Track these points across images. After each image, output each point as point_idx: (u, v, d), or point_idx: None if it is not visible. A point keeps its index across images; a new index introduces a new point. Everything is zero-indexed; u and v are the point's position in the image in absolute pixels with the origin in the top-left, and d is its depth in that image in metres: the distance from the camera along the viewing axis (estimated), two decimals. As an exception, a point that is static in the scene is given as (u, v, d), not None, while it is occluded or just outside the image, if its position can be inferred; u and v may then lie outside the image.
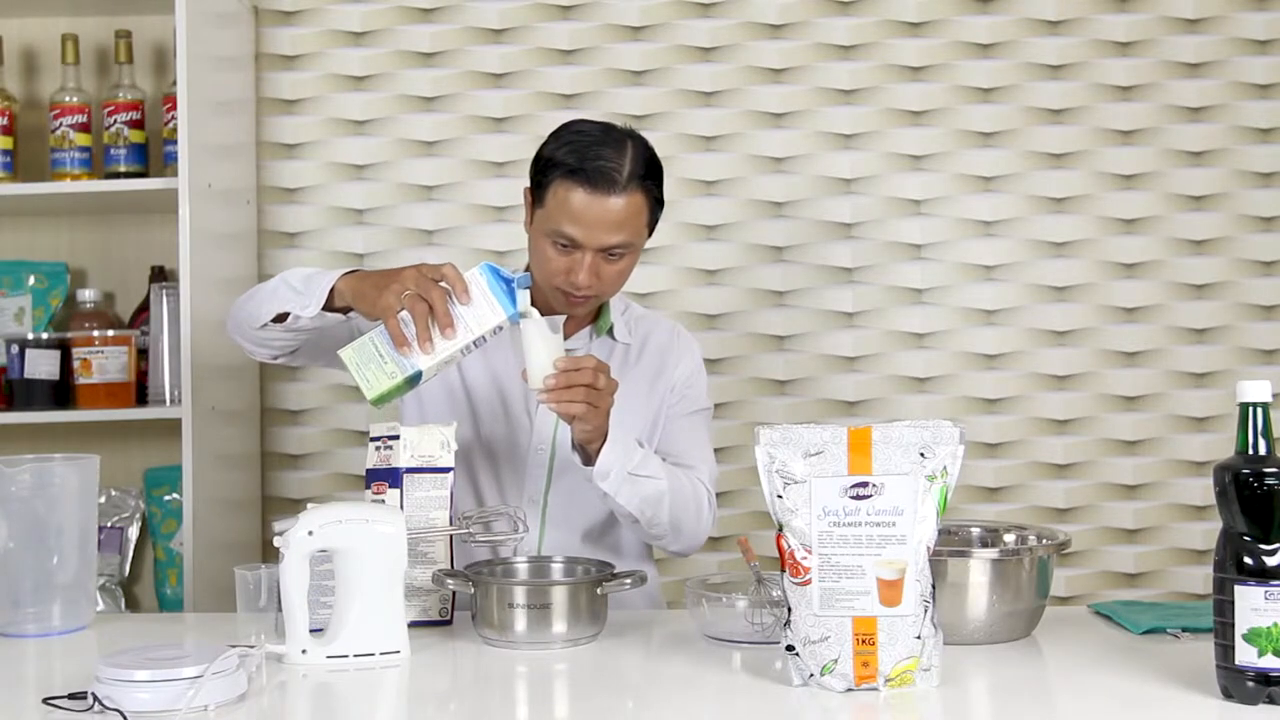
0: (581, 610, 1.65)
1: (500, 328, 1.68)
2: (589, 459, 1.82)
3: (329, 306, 1.75)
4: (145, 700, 1.34)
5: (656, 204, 1.92)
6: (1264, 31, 2.73)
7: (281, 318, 1.81)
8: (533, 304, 1.71)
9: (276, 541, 1.62)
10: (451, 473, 1.80)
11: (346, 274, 1.76)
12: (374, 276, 1.72)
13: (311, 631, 1.57)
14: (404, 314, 1.63)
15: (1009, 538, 1.78)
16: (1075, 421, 2.73)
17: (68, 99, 2.54)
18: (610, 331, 2.04)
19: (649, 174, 1.89)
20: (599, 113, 2.72)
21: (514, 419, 2.01)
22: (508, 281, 1.67)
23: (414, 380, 1.65)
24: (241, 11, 2.67)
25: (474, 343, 1.66)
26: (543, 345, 1.70)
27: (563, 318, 1.76)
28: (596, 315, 2.04)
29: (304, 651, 1.56)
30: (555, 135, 1.91)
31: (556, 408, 1.73)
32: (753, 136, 2.74)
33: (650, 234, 1.95)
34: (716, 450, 2.71)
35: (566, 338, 2.00)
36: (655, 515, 1.89)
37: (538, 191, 1.90)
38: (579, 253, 1.87)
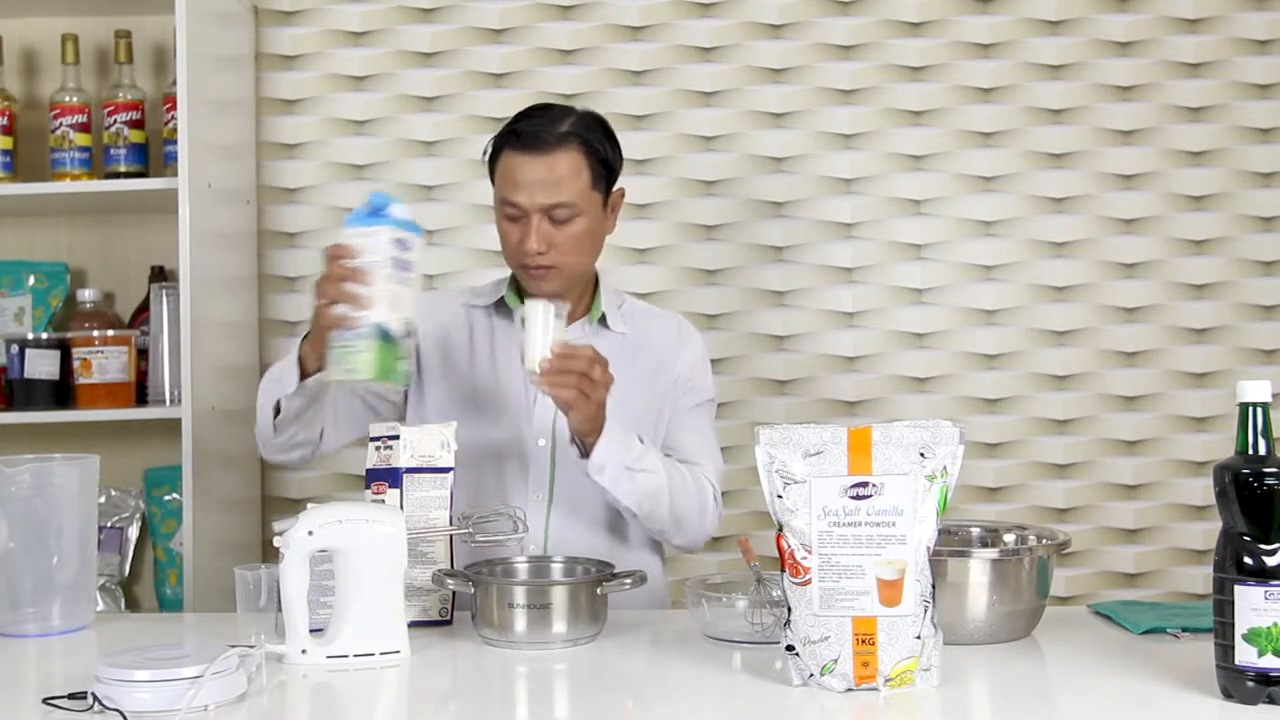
0: (581, 610, 1.65)
1: (400, 240, 1.69)
2: (586, 452, 1.82)
3: (304, 373, 1.80)
4: (145, 700, 1.34)
5: (601, 165, 1.93)
6: (1264, 31, 2.73)
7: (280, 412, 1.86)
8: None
9: (276, 541, 1.62)
10: (451, 473, 1.80)
11: (303, 338, 1.82)
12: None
13: (311, 631, 1.57)
14: (330, 305, 1.66)
15: (1009, 538, 1.78)
16: (1075, 421, 2.73)
17: (68, 99, 2.54)
18: (604, 321, 2.04)
19: (587, 132, 1.92)
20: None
21: (514, 413, 2.01)
22: (376, 205, 1.70)
23: (387, 335, 1.65)
24: (241, 11, 2.67)
25: (395, 263, 1.67)
26: (541, 328, 1.72)
27: (567, 305, 1.77)
28: (589, 307, 2.05)
29: (304, 651, 1.56)
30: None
31: (550, 391, 1.74)
32: (753, 136, 2.74)
33: (607, 202, 1.96)
34: (717, 450, 2.73)
35: None
36: (654, 510, 1.89)
37: (492, 175, 1.97)
38: (525, 219, 1.90)
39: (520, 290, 2.02)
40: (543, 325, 1.72)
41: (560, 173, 1.89)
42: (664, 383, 2.05)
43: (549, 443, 1.99)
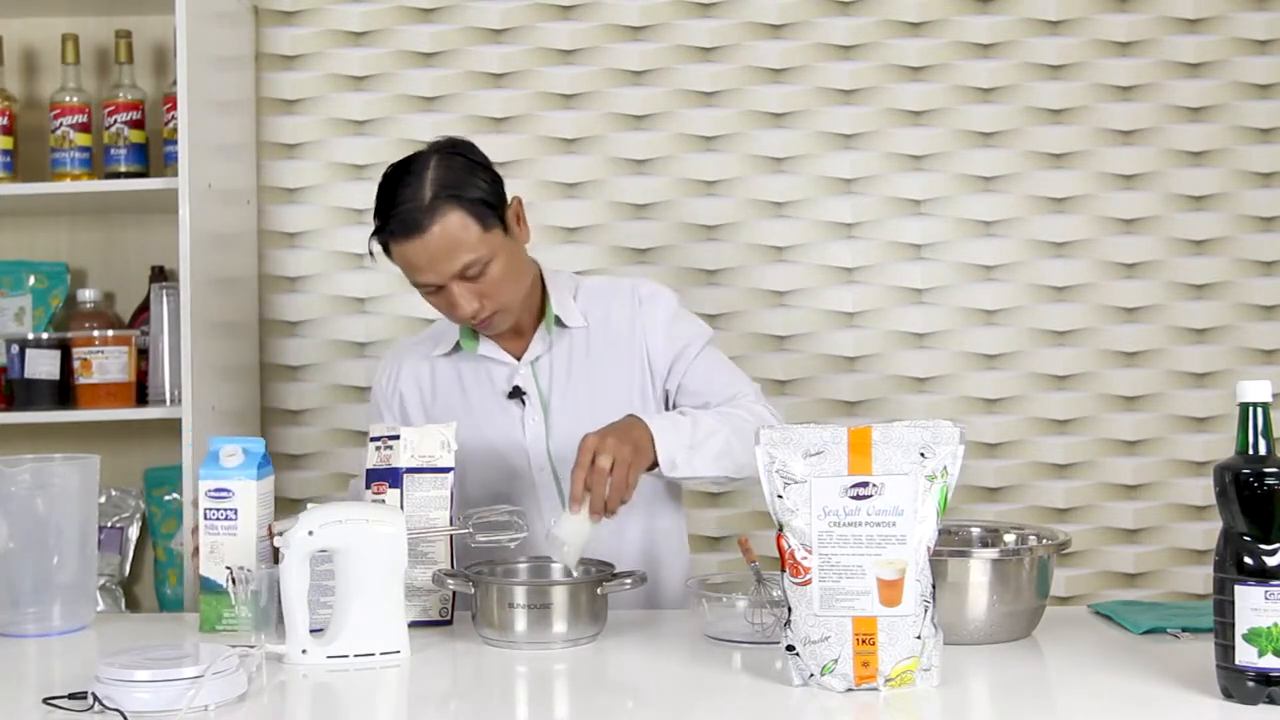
0: (581, 610, 1.65)
1: (216, 491, 1.75)
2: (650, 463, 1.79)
3: None
4: (145, 700, 1.35)
5: (482, 206, 1.85)
6: (1264, 31, 2.73)
7: None
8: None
9: (276, 541, 1.62)
10: (451, 473, 1.80)
11: None
12: None
13: (311, 632, 1.58)
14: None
15: (1009, 538, 1.78)
16: (1075, 421, 2.73)
17: (68, 99, 2.54)
18: (560, 322, 2.01)
19: (451, 188, 1.84)
20: (598, 113, 2.73)
21: (506, 454, 2.00)
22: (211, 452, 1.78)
23: (212, 587, 1.74)
24: (241, 11, 2.67)
25: (207, 514, 1.75)
26: (573, 545, 1.71)
27: (583, 515, 1.71)
28: (541, 310, 2.02)
29: (304, 651, 1.56)
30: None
31: (606, 514, 1.71)
32: (753, 136, 2.74)
33: (505, 228, 1.89)
34: (716, 450, 2.72)
35: (520, 353, 2.01)
36: (734, 462, 1.84)
37: (393, 262, 1.91)
38: (444, 289, 1.87)
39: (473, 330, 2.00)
40: (573, 538, 1.71)
41: (449, 240, 1.83)
42: (637, 360, 2.01)
43: (548, 468, 1.99)
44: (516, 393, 1.99)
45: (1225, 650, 1.35)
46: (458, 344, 2.04)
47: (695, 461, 1.81)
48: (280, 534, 1.60)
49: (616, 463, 1.70)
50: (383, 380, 2.11)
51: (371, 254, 1.92)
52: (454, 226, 1.83)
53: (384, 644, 1.58)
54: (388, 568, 1.59)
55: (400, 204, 1.84)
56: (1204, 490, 2.67)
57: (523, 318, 1.99)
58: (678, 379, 2.02)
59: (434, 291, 1.89)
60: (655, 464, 1.78)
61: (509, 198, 1.94)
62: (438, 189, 1.84)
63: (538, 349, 2.01)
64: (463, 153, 1.91)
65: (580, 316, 2.02)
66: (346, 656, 1.56)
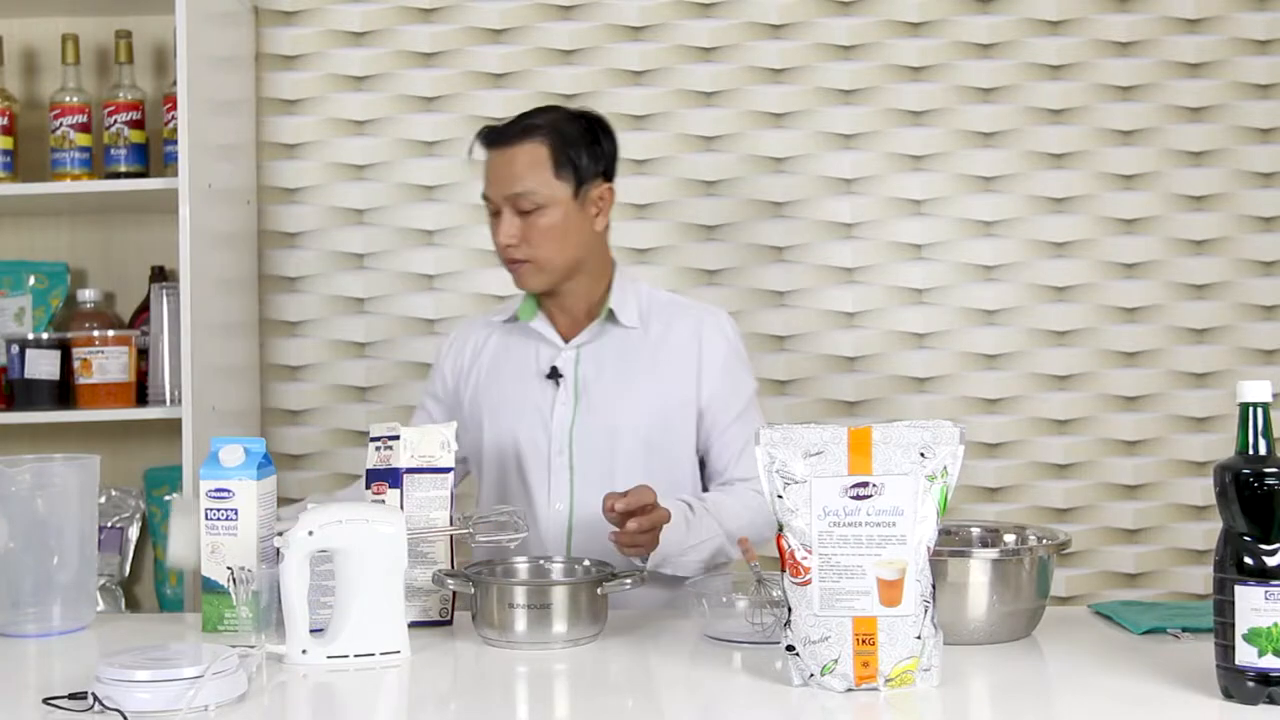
0: (581, 610, 1.65)
1: (216, 491, 1.73)
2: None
3: None
4: (145, 700, 1.35)
5: (567, 156, 1.96)
6: (1264, 31, 2.73)
7: None
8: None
9: (276, 541, 1.62)
10: (452, 473, 1.80)
11: None
12: None
13: (312, 632, 1.57)
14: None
15: (1009, 538, 1.78)
16: (1075, 421, 2.73)
17: (68, 99, 2.54)
18: (613, 316, 2.04)
19: (556, 126, 1.97)
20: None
21: (531, 424, 2.03)
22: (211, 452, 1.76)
23: (213, 587, 1.73)
24: (241, 11, 2.67)
25: (209, 514, 1.72)
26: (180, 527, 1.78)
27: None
28: (602, 302, 2.06)
29: (304, 651, 1.56)
30: None
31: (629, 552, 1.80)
32: (753, 136, 2.74)
33: (580, 194, 1.98)
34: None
35: (569, 336, 2.03)
36: (724, 554, 1.96)
37: None
38: (500, 214, 1.98)
39: (536, 299, 2.07)
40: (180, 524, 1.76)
41: (520, 163, 1.96)
42: (684, 380, 2.03)
43: (566, 453, 2.01)
44: (554, 373, 2.02)
45: (1225, 650, 1.35)
46: (516, 315, 2.09)
47: (682, 562, 1.90)
48: (280, 534, 1.61)
49: (639, 541, 1.77)
50: (444, 346, 2.19)
51: (470, 152, 2.05)
52: (531, 154, 1.96)
53: (384, 644, 1.58)
54: (388, 568, 1.59)
55: (503, 123, 2.01)
56: (1204, 490, 2.67)
57: (579, 305, 2.05)
58: (708, 433, 2.05)
59: (493, 213, 2.01)
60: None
61: (607, 186, 2.02)
62: (545, 120, 1.99)
63: (586, 336, 2.04)
64: (592, 120, 2.03)
65: (637, 318, 2.05)
66: (346, 656, 1.56)
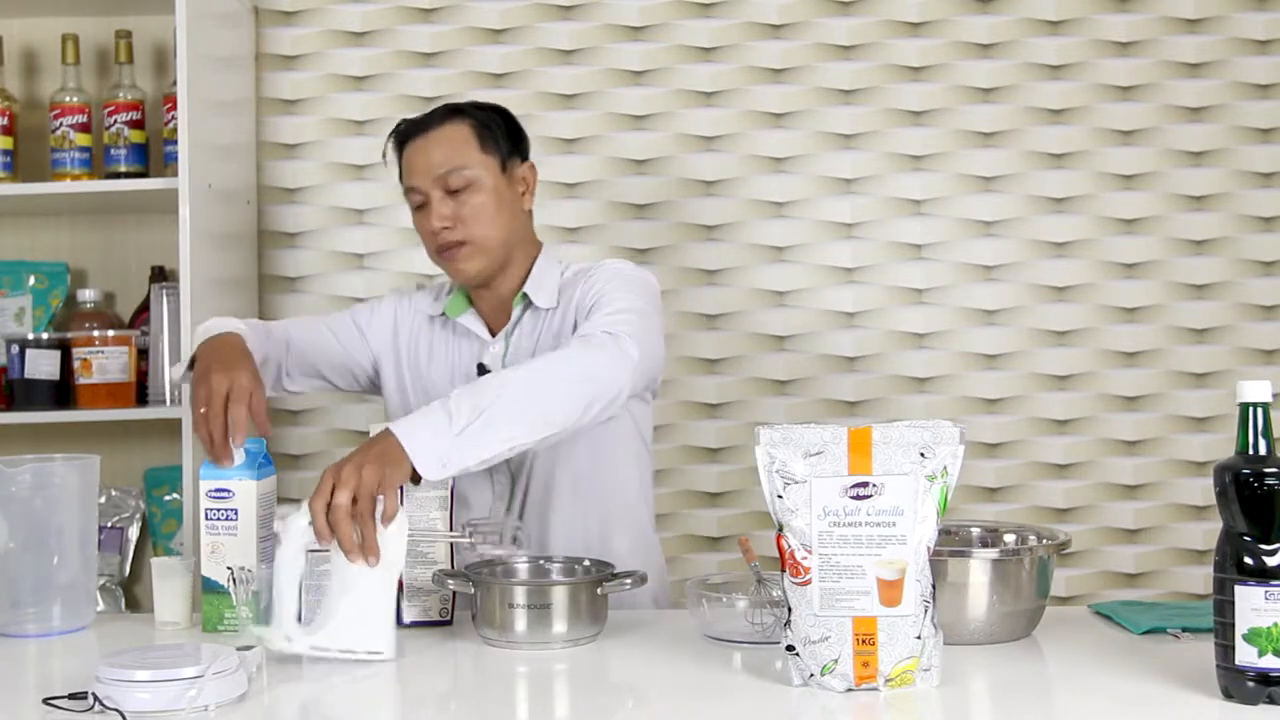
0: (581, 610, 1.65)
1: (215, 491, 1.72)
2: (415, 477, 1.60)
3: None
4: (145, 700, 1.34)
5: (489, 134, 1.95)
6: (1264, 31, 2.73)
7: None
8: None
9: (276, 526, 1.61)
10: (451, 473, 1.80)
11: (212, 339, 1.86)
12: (201, 359, 1.81)
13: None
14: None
15: (1009, 538, 1.78)
16: (1075, 421, 2.73)
17: (68, 99, 2.54)
18: (527, 299, 1.99)
19: (473, 111, 1.97)
20: (598, 113, 2.73)
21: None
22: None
23: (213, 587, 1.72)
24: (241, 11, 2.67)
25: (208, 514, 1.71)
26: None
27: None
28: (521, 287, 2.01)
29: (288, 639, 1.55)
30: None
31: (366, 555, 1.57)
32: (753, 136, 2.74)
33: (504, 168, 1.96)
34: (717, 451, 2.73)
35: (496, 331, 2.01)
36: (536, 421, 1.65)
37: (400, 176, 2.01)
38: (428, 204, 1.94)
39: (465, 294, 2.02)
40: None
41: (446, 142, 1.94)
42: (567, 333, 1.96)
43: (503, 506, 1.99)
44: (481, 370, 1.99)
45: (1225, 650, 1.35)
46: (444, 312, 2.05)
47: (474, 447, 1.59)
48: (281, 518, 1.60)
49: (360, 494, 1.54)
50: (383, 305, 2.12)
51: (384, 156, 2.02)
52: (455, 132, 1.95)
53: (369, 643, 1.57)
54: (383, 567, 1.58)
55: (419, 116, 1.99)
56: (1204, 490, 2.67)
57: (509, 295, 2.00)
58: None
59: (419, 205, 1.96)
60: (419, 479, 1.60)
61: (529, 165, 2.02)
62: (460, 107, 1.99)
63: (510, 325, 2.00)
64: (502, 110, 2.02)
65: (555, 297, 1.99)
66: (329, 650, 1.55)
